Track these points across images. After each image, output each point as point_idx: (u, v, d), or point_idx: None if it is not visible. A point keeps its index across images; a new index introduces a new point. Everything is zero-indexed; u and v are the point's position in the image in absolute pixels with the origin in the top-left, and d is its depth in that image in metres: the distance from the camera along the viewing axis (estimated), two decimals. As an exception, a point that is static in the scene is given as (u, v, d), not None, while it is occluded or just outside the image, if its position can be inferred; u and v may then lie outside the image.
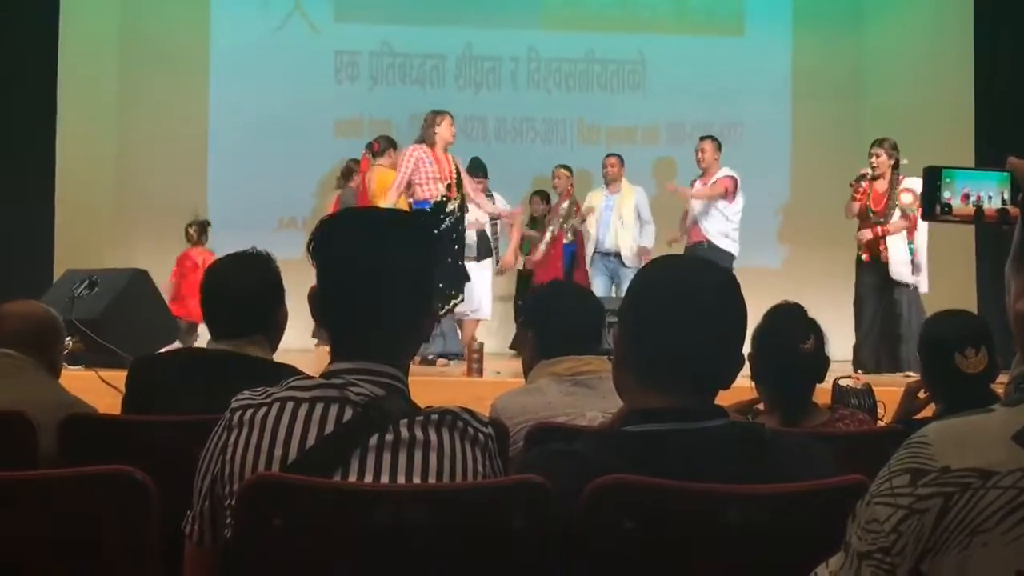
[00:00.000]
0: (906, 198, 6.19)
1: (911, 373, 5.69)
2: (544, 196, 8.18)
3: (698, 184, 7.08)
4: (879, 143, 6.37)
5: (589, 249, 7.72)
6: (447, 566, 1.37)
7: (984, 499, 0.90)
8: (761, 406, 2.61)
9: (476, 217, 6.97)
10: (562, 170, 7.92)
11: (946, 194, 1.09)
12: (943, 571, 0.90)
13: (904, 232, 6.26)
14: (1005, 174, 1.07)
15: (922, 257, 6.31)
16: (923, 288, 6.31)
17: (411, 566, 1.35)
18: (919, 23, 8.90)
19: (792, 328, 2.48)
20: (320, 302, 1.52)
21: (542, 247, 7.72)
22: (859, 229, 6.40)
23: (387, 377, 1.47)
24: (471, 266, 6.69)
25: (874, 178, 6.35)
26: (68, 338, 4.70)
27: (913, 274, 6.27)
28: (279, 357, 2.40)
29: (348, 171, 7.60)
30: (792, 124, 9.15)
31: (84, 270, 5.69)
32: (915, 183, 6.13)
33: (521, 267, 8.01)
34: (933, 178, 1.09)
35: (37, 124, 7.84)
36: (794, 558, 1.19)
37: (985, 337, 2.63)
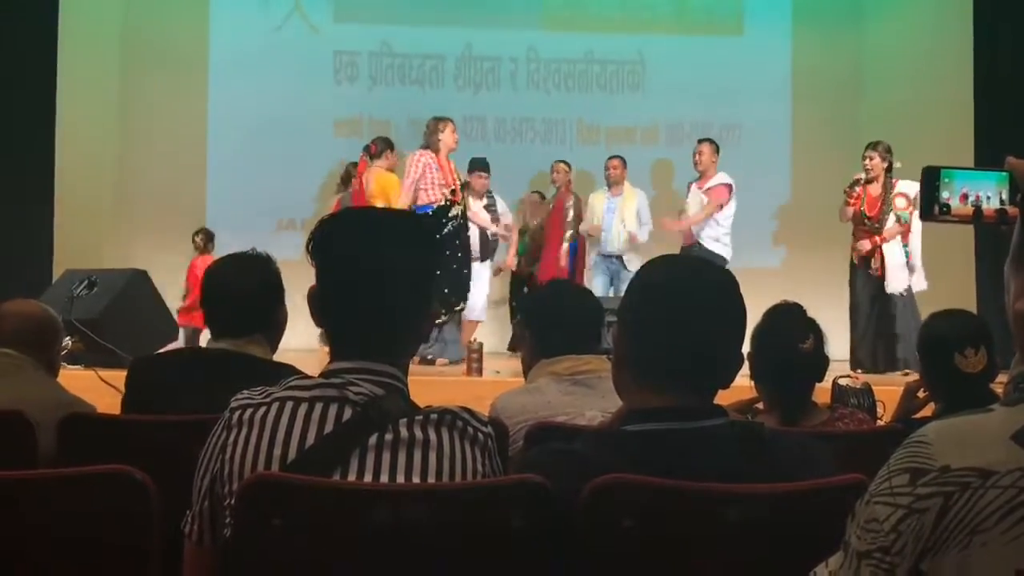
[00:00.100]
0: (900, 203, 6.22)
1: (909, 372, 5.71)
2: (542, 196, 8.21)
3: (694, 187, 7.11)
4: (873, 146, 6.40)
5: (591, 250, 7.75)
6: (447, 565, 1.37)
7: (984, 499, 0.90)
8: (760, 405, 2.61)
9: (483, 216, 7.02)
10: (561, 164, 7.93)
11: (944, 194, 1.09)
12: (943, 570, 0.90)
13: (899, 236, 6.30)
14: (1004, 174, 1.07)
15: (916, 259, 6.35)
16: (919, 287, 6.34)
17: (411, 566, 1.35)
18: (919, 21, 8.90)
19: (791, 328, 2.48)
20: (319, 302, 1.51)
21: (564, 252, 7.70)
22: (853, 233, 6.44)
23: (386, 377, 1.47)
24: (474, 266, 6.71)
25: (868, 181, 6.38)
26: (67, 338, 4.72)
27: (909, 276, 6.30)
28: (285, 357, 2.40)
29: (348, 176, 7.61)
30: (792, 123, 9.15)
31: (83, 270, 5.69)
32: (909, 186, 6.17)
33: (514, 268, 8.03)
34: (931, 178, 1.09)
35: (36, 123, 7.84)
36: (793, 557, 1.19)
37: (984, 337, 2.64)
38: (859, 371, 5.90)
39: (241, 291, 2.33)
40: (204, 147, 8.90)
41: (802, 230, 8.69)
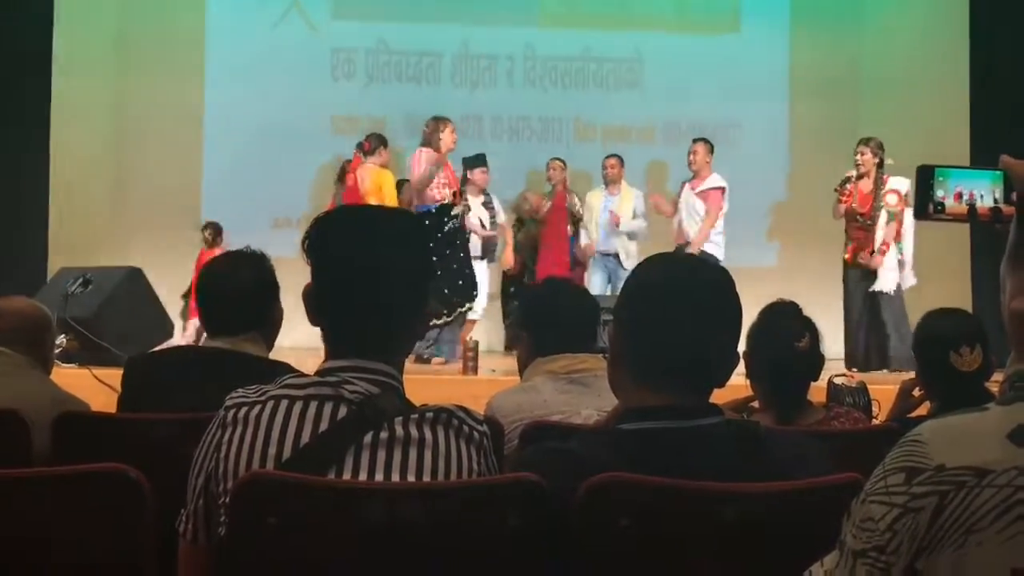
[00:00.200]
0: (891, 199, 6.24)
1: (900, 370, 5.72)
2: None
3: (687, 187, 7.11)
4: (864, 142, 6.43)
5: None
6: (442, 564, 1.36)
7: (979, 498, 0.90)
8: (756, 404, 2.61)
9: (480, 217, 7.00)
10: (556, 162, 7.92)
11: (939, 193, 1.09)
12: (938, 569, 0.90)
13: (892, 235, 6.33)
14: (998, 173, 1.07)
15: (908, 256, 6.38)
16: (909, 283, 6.37)
17: (406, 564, 1.35)
18: (916, 20, 8.91)
19: (787, 326, 2.48)
20: (315, 300, 1.51)
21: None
22: (846, 230, 6.47)
23: (382, 375, 1.47)
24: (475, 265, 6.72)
25: (859, 177, 6.39)
26: (62, 336, 4.71)
27: (899, 274, 6.33)
28: (285, 356, 2.39)
29: (344, 173, 7.60)
30: (789, 121, 9.15)
31: (78, 268, 5.68)
32: (900, 183, 6.20)
33: (512, 266, 8.03)
34: (926, 177, 1.09)
35: (32, 123, 7.83)
36: (789, 556, 1.19)
37: (980, 336, 2.64)
38: (854, 370, 5.91)
39: (236, 289, 2.33)
40: (200, 144, 8.88)
41: (799, 228, 8.68)
